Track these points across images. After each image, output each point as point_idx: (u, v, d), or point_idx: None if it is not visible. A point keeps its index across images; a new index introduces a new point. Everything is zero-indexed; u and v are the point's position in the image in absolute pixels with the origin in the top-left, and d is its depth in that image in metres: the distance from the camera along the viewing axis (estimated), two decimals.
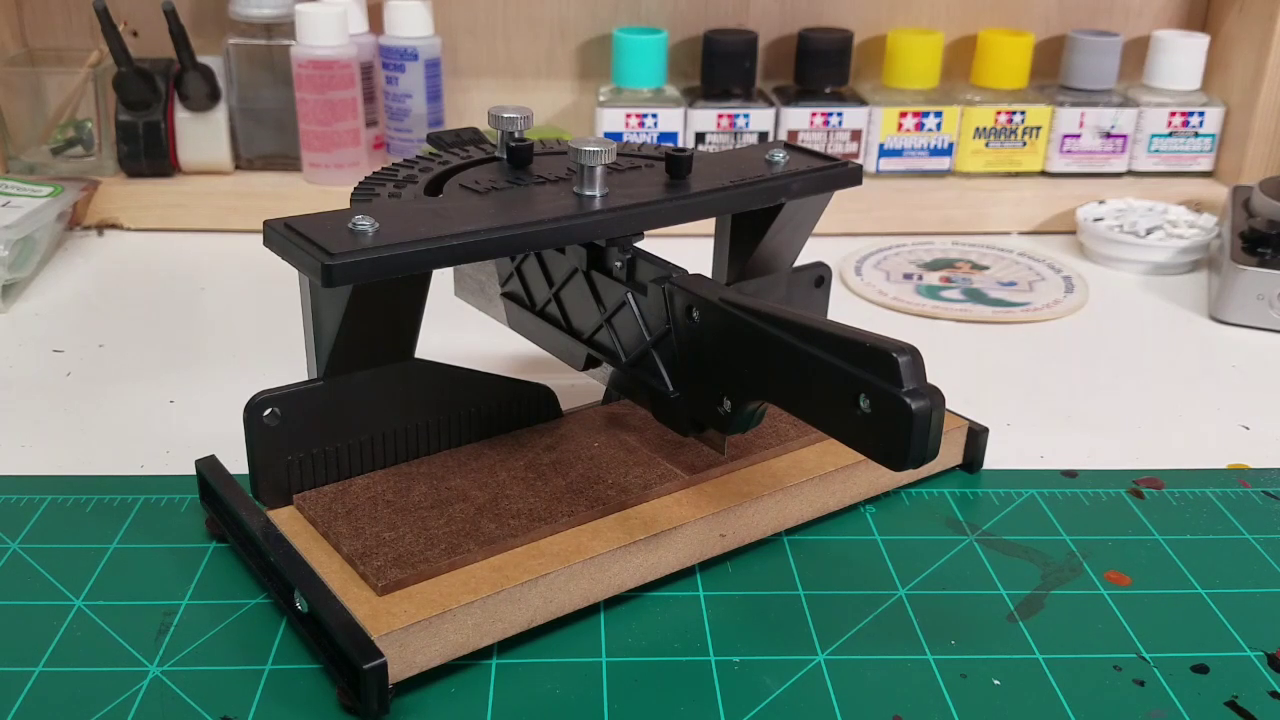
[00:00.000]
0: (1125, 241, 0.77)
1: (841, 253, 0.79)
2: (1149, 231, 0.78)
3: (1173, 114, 0.87)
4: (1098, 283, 0.75)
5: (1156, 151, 0.88)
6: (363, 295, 0.40)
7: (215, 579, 0.44)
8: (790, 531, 0.47)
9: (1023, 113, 0.86)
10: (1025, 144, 0.87)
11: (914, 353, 0.35)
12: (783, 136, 0.84)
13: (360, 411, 0.44)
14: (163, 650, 0.40)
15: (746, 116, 0.83)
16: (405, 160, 0.49)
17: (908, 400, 0.34)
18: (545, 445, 0.48)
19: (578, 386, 0.53)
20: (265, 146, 0.84)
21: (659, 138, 0.83)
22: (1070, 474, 0.52)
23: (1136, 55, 0.91)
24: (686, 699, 0.38)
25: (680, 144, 0.83)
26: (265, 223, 0.40)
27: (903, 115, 0.85)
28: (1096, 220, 0.80)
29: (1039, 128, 0.86)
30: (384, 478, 0.45)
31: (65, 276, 0.73)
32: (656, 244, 0.45)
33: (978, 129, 0.86)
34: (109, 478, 0.50)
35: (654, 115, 0.83)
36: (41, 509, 0.48)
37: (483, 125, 0.55)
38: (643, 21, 0.88)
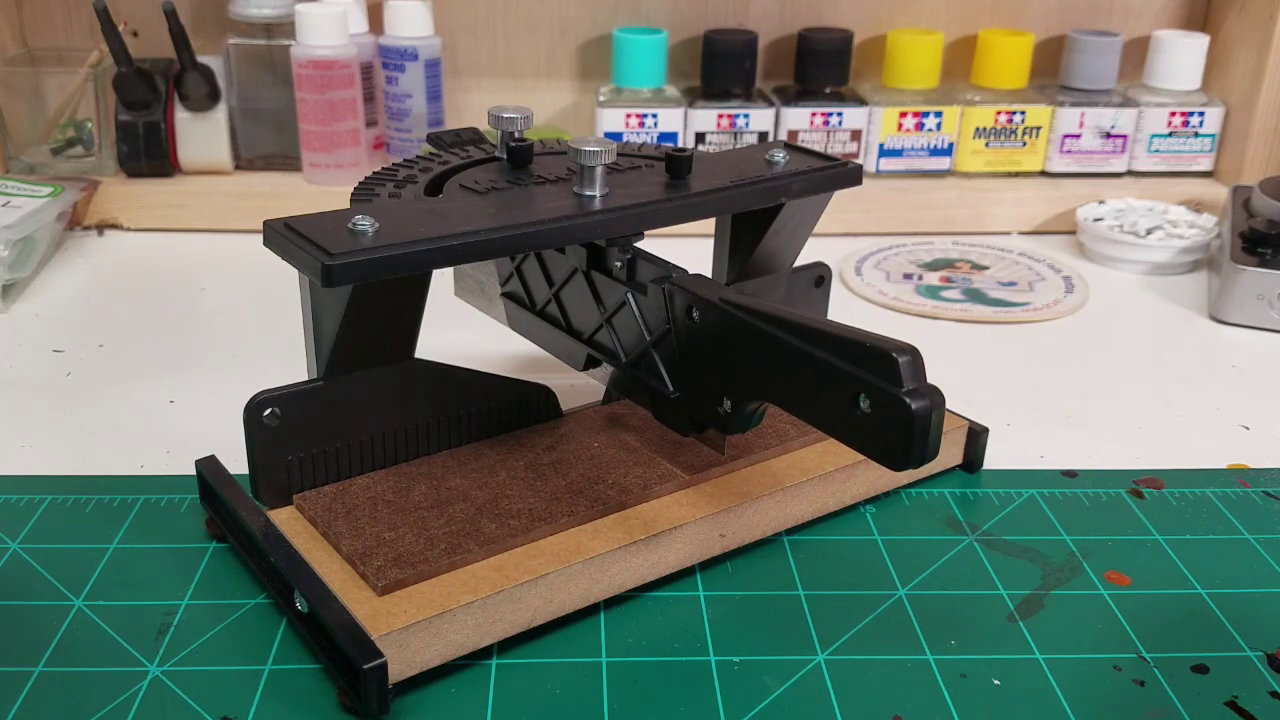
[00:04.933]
0: (1125, 241, 0.77)
1: (841, 253, 0.79)
2: (1149, 231, 0.78)
3: (1173, 114, 0.87)
4: (1098, 283, 0.75)
5: (1156, 151, 0.88)
6: (363, 295, 0.40)
7: (215, 579, 0.44)
8: (790, 531, 0.47)
9: (1023, 113, 0.86)
10: (1025, 144, 0.87)
11: (914, 353, 0.35)
12: (783, 136, 0.84)
13: (360, 411, 0.44)
14: (163, 650, 0.40)
15: (746, 116, 0.83)
16: (405, 160, 0.49)
17: (908, 400, 0.34)
18: (545, 445, 0.48)
19: (578, 386, 0.53)
20: (265, 146, 0.84)
21: (659, 138, 0.83)
22: (1070, 474, 0.52)
23: (1136, 55, 0.91)
24: (686, 699, 0.38)
25: (680, 144, 0.83)
26: (265, 223, 0.40)
27: (903, 115, 0.85)
28: (1096, 220, 0.80)
29: (1039, 128, 0.86)
30: (384, 478, 0.45)
31: (65, 276, 0.73)
32: (656, 244, 0.45)
33: (978, 129, 0.86)
34: (109, 478, 0.50)
35: (654, 115, 0.83)
36: (41, 509, 0.48)
37: (483, 125, 0.54)
38: (643, 21, 0.88)
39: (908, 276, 0.75)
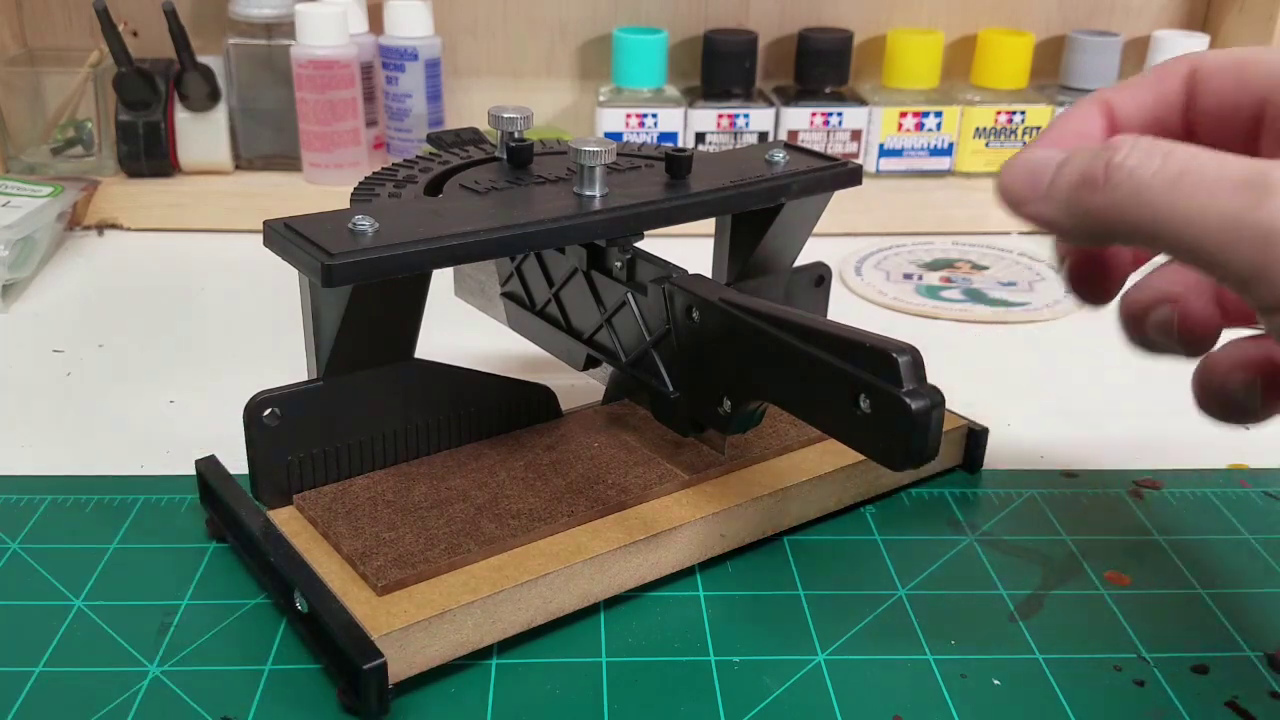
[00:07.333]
0: None
1: (841, 253, 0.78)
2: None
3: None
4: None
5: None
6: (363, 295, 0.40)
7: (215, 579, 0.44)
8: (790, 531, 0.47)
9: (1023, 113, 0.86)
10: (1025, 144, 0.86)
11: (914, 353, 0.35)
12: (783, 136, 0.84)
13: (360, 411, 0.44)
14: (163, 650, 0.40)
15: (746, 116, 0.83)
16: (405, 160, 0.49)
17: (908, 400, 0.34)
18: (545, 445, 0.48)
19: (578, 386, 0.53)
20: (265, 146, 0.84)
21: (659, 138, 0.83)
22: (1070, 474, 0.52)
23: (1136, 55, 0.91)
24: (686, 699, 0.38)
25: (680, 144, 0.83)
26: (265, 223, 0.40)
27: (903, 115, 0.85)
28: None
29: (1039, 128, 0.86)
30: (384, 478, 0.45)
31: (65, 276, 0.73)
32: (656, 244, 0.45)
33: (978, 129, 0.86)
34: (109, 478, 0.50)
35: (654, 115, 0.83)
36: (41, 509, 0.48)
37: (483, 125, 0.54)
38: (643, 21, 0.88)
39: (908, 276, 0.75)
